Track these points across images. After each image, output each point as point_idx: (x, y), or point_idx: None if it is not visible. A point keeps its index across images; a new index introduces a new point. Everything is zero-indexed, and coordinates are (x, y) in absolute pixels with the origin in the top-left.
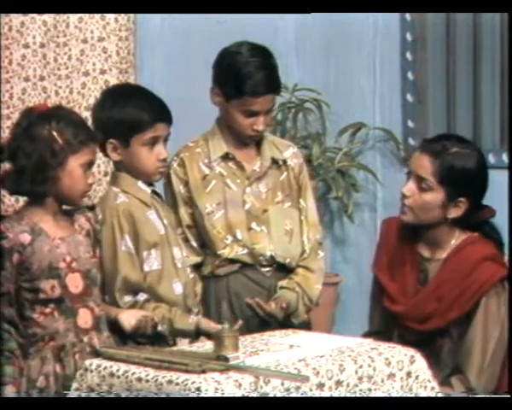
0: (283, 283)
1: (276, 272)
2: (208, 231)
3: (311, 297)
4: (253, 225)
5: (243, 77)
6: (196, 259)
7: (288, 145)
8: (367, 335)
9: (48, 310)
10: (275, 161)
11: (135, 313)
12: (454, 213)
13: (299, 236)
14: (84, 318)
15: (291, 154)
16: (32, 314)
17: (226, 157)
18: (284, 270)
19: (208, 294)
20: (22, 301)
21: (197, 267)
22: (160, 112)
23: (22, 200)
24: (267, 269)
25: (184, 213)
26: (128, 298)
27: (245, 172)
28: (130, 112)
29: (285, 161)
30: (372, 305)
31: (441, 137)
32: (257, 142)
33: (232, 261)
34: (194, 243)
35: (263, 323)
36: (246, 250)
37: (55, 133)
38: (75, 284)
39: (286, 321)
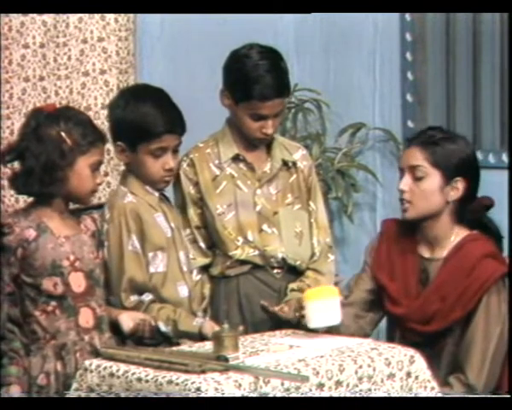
0: (294, 285)
1: (286, 274)
2: (219, 231)
3: None
4: (264, 226)
5: (252, 81)
6: (204, 260)
7: (298, 147)
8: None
9: (50, 308)
10: (285, 163)
11: (134, 315)
12: (454, 195)
13: (308, 238)
14: (86, 317)
15: (300, 156)
16: (34, 312)
17: (237, 158)
18: (294, 272)
19: (218, 295)
20: (24, 297)
21: (205, 269)
22: (170, 123)
23: (22, 200)
24: (277, 271)
25: (193, 213)
26: (133, 298)
27: (255, 174)
28: (139, 118)
29: (295, 163)
30: (359, 274)
31: (426, 130)
32: (267, 143)
33: (243, 263)
34: (202, 245)
35: (274, 325)
36: (257, 252)
37: (63, 134)
38: (78, 283)
39: (297, 323)
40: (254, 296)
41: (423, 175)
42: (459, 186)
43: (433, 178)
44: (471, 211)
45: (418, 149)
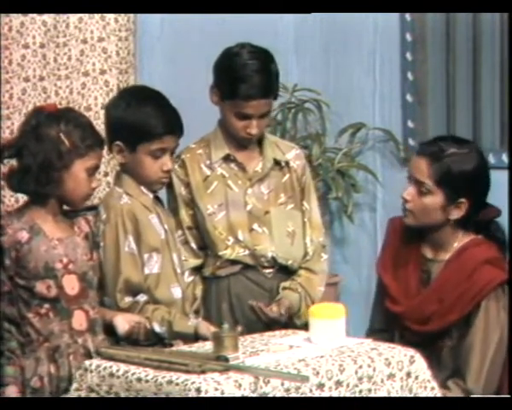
0: (286, 284)
1: (277, 274)
2: (210, 232)
3: (314, 299)
4: (255, 226)
5: (238, 79)
6: (195, 262)
7: (291, 147)
8: (370, 332)
9: (43, 311)
10: (277, 163)
11: (129, 317)
12: (456, 214)
13: (301, 238)
14: (79, 320)
15: (294, 155)
16: (27, 314)
17: (227, 159)
18: (286, 272)
19: (209, 295)
20: (18, 299)
21: (197, 270)
22: (171, 124)
23: (22, 199)
24: (268, 271)
25: (185, 214)
26: (128, 299)
27: (246, 174)
28: (141, 119)
29: (287, 163)
30: (375, 303)
31: (438, 139)
32: (259, 143)
33: (233, 262)
34: (193, 245)
35: (264, 325)
36: (247, 251)
37: (62, 135)
38: (71, 285)
39: (288, 322)
40: (245, 296)
41: (427, 192)
42: (462, 207)
43: (437, 197)
44: (477, 221)
45: (425, 162)
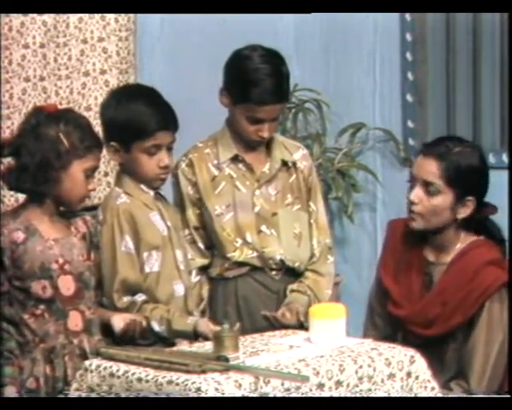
0: (294, 286)
1: (284, 276)
2: (218, 233)
3: (322, 301)
4: (263, 227)
5: (250, 84)
6: (203, 261)
7: (298, 147)
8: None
9: (38, 311)
10: (284, 163)
11: (125, 315)
12: (463, 212)
13: (308, 239)
14: (75, 320)
15: (301, 156)
16: (23, 314)
17: (235, 159)
18: (293, 274)
19: (216, 296)
20: (14, 300)
21: (204, 270)
22: (163, 120)
23: (23, 199)
24: (276, 273)
25: (192, 214)
26: (126, 299)
27: (254, 175)
28: (132, 117)
29: (294, 164)
30: (374, 309)
31: (442, 139)
32: (266, 143)
33: (241, 264)
34: (201, 245)
35: (272, 328)
36: (255, 253)
37: (61, 135)
38: (67, 286)
39: (300, 326)
40: (252, 298)
41: (436, 192)
42: (470, 205)
43: (446, 197)
44: (476, 219)
45: (433, 162)
